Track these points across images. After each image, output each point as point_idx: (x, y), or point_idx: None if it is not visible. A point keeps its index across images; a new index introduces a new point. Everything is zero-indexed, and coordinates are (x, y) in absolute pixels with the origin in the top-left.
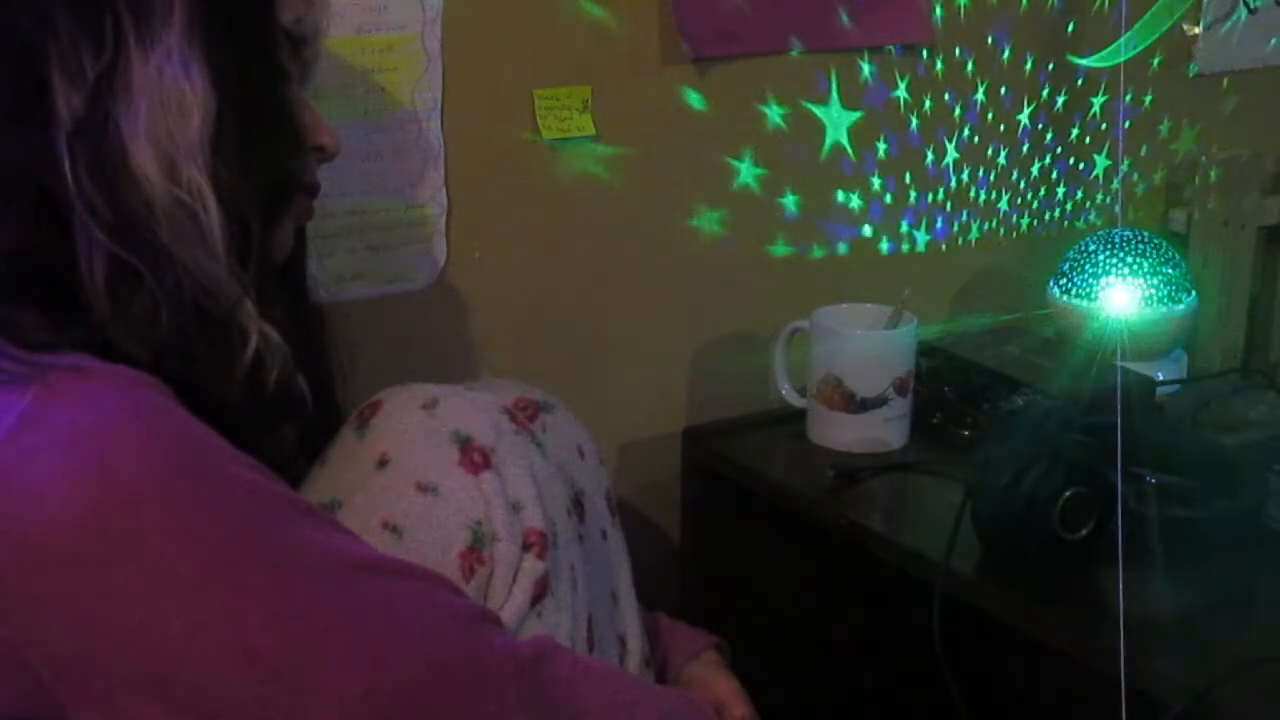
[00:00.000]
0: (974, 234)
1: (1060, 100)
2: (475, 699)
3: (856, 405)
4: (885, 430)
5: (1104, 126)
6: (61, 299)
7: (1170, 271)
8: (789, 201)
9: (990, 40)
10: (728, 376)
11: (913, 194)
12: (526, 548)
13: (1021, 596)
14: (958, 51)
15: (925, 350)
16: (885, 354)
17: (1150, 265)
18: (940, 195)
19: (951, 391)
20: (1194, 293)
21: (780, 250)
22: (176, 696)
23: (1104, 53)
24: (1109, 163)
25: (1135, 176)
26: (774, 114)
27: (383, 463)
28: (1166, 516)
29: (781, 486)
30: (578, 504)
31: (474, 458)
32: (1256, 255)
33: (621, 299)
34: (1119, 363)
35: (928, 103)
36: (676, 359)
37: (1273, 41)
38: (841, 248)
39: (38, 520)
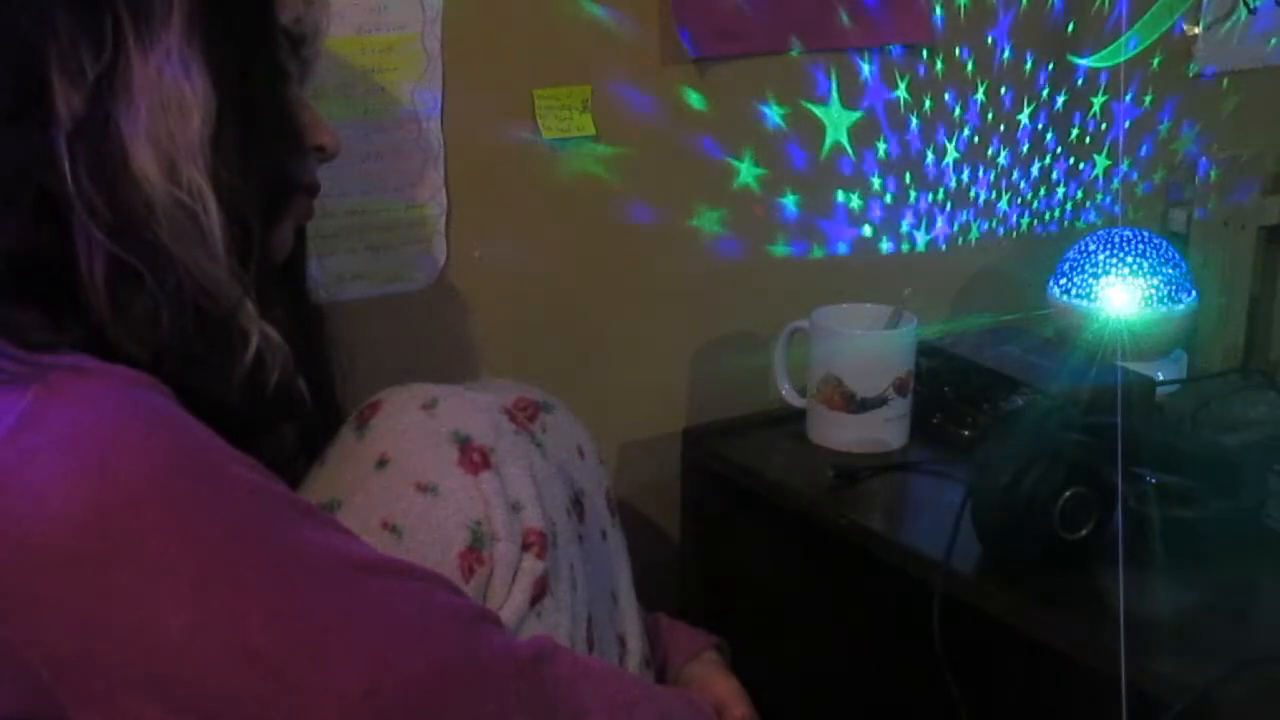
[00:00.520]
0: (974, 234)
1: (1060, 100)
2: (475, 699)
3: (856, 405)
4: (885, 430)
5: (1104, 126)
6: (61, 299)
7: (1170, 271)
8: (789, 201)
9: (990, 40)
10: (728, 376)
11: (913, 194)
12: (526, 548)
13: (1021, 596)
14: (958, 51)
15: (925, 350)
16: (885, 354)
17: (1150, 265)
18: (940, 195)
19: (951, 391)
20: (1194, 293)
21: (780, 250)
22: (176, 696)
23: (1104, 53)
24: (1109, 163)
25: (1135, 176)
26: (774, 114)
27: (382, 463)
28: (1166, 516)
29: (781, 486)
30: (577, 504)
31: (473, 458)
32: (1256, 255)
33: (621, 299)
34: (1119, 363)
35: (928, 103)
36: (676, 359)
37: (1273, 41)
38: (841, 248)
39: (38, 520)
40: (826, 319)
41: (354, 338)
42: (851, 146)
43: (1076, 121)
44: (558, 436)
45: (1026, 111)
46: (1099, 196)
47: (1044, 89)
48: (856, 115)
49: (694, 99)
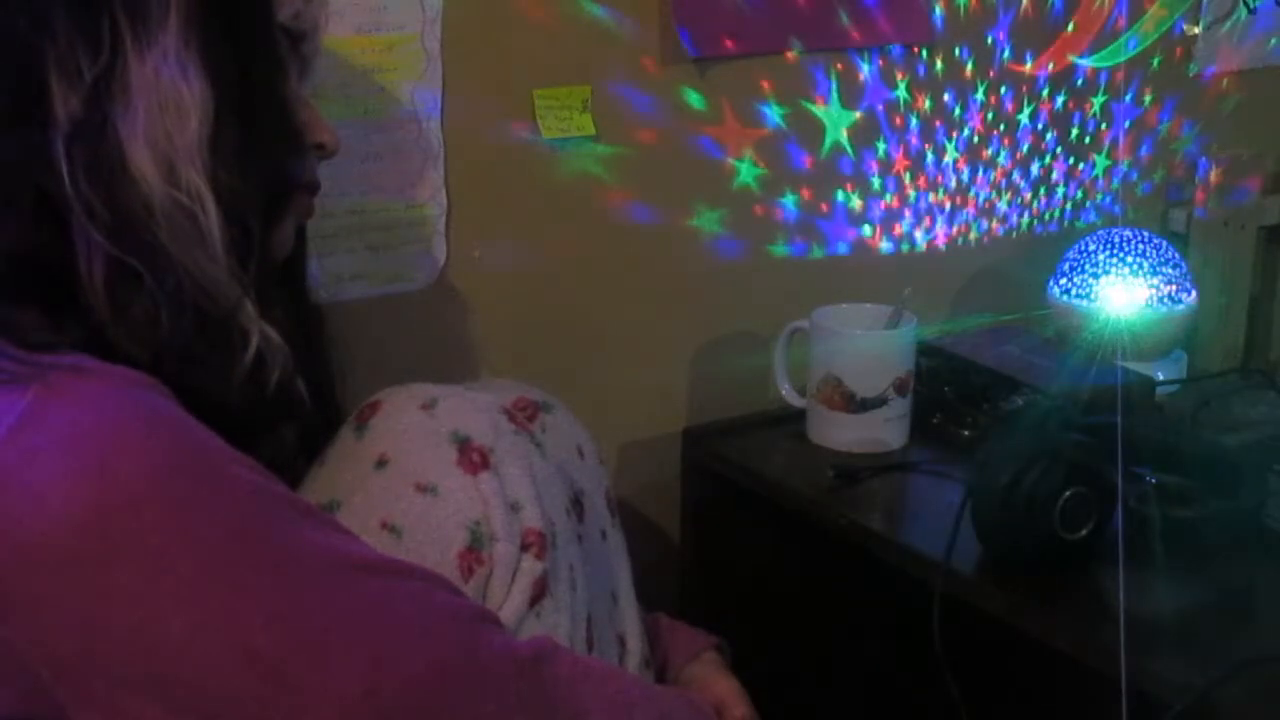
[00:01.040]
0: (974, 234)
1: (1060, 100)
2: (475, 699)
3: (856, 405)
4: (885, 430)
5: (1104, 126)
6: (61, 299)
7: (1170, 271)
8: (789, 201)
9: (990, 40)
10: (728, 376)
11: (913, 194)
12: (525, 548)
13: (1021, 596)
14: (958, 51)
15: (925, 350)
16: (885, 354)
17: (1150, 265)
18: (940, 195)
19: (951, 391)
20: (1194, 293)
21: (780, 250)
22: (176, 696)
23: (1104, 53)
24: (1109, 163)
25: (1135, 176)
26: (774, 114)
27: (381, 463)
28: (1166, 516)
29: (781, 486)
30: (577, 504)
31: (473, 458)
32: (1256, 255)
33: (621, 299)
34: (1119, 363)
35: (928, 103)
36: (676, 359)
37: (1273, 41)
38: (841, 248)
39: (38, 520)
40: (826, 319)
41: (354, 338)
42: (851, 146)
43: (1076, 121)
44: (557, 436)
45: (1026, 111)
46: (1099, 196)
47: (1044, 89)
48: (856, 115)
49: (694, 99)
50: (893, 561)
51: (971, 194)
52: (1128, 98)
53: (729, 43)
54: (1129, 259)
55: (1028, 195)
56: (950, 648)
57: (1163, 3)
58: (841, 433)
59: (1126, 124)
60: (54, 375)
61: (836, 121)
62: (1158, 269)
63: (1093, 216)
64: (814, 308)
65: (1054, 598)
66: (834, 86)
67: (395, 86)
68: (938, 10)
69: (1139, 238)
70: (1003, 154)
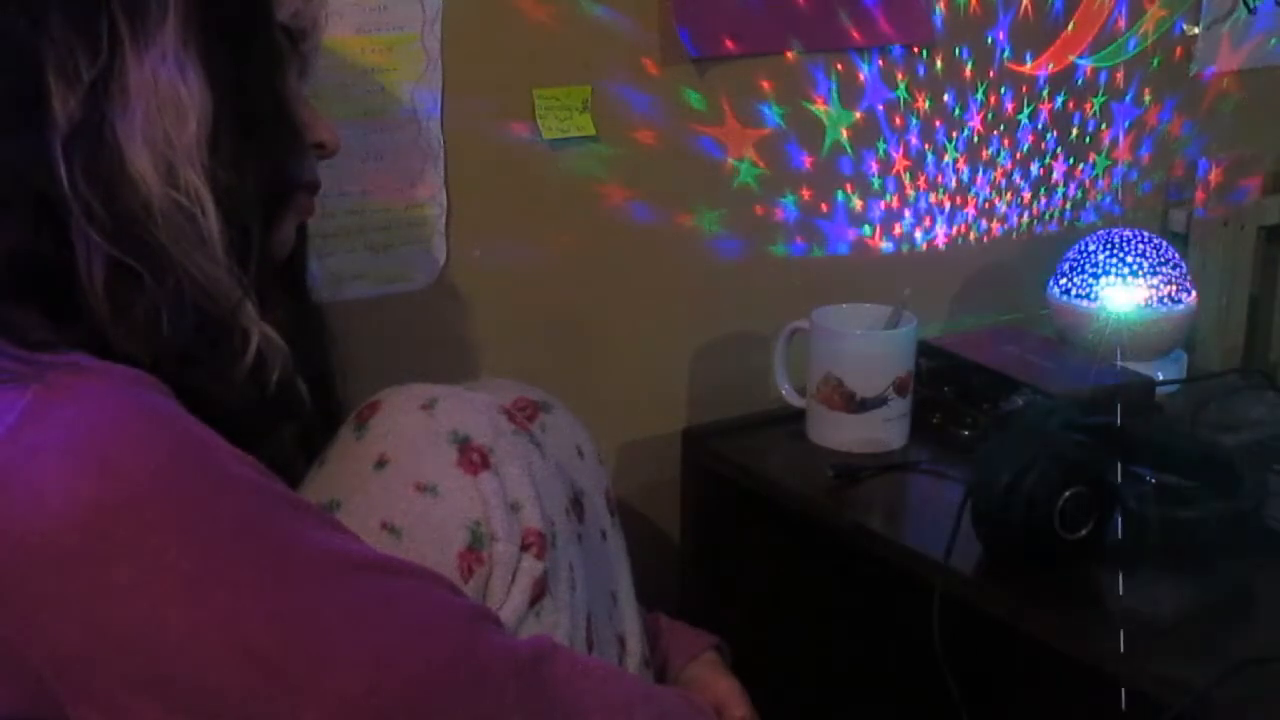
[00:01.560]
0: (974, 234)
1: (1060, 100)
2: (474, 698)
3: (856, 405)
4: (885, 430)
5: (1104, 126)
6: (61, 299)
7: (1170, 271)
8: (789, 201)
9: (990, 40)
10: (728, 376)
11: (913, 194)
12: (525, 548)
13: (1021, 596)
14: (958, 51)
15: (925, 350)
16: (885, 354)
17: (1150, 265)
18: (940, 195)
19: (951, 391)
20: (1194, 293)
21: (780, 250)
22: (176, 695)
23: (1104, 53)
24: (1109, 163)
25: (1135, 176)
26: (774, 114)
27: (381, 463)
28: (1166, 516)
29: (781, 486)
30: (577, 504)
31: (472, 458)
32: (1256, 255)
33: (621, 299)
34: (1119, 363)
35: (928, 103)
36: (676, 359)
37: (1273, 41)
38: (841, 248)
39: (38, 518)
40: (826, 319)
41: (354, 338)
42: (851, 146)
43: (1076, 121)
44: (557, 436)
45: (1026, 111)
46: (1099, 196)
47: (1044, 89)
48: (856, 115)
49: (694, 99)
50: (893, 561)
51: (971, 194)
52: (1128, 98)
53: (729, 43)
54: (1129, 259)
55: (1028, 195)
56: (950, 648)
57: (1163, 3)
58: (841, 433)
59: (1126, 124)
60: (54, 374)
61: (836, 121)
62: (1158, 269)
63: (1093, 216)
64: (814, 308)
65: (1054, 598)
66: (834, 86)
67: (395, 86)
68: (938, 10)
69: (1139, 238)
70: (1003, 154)
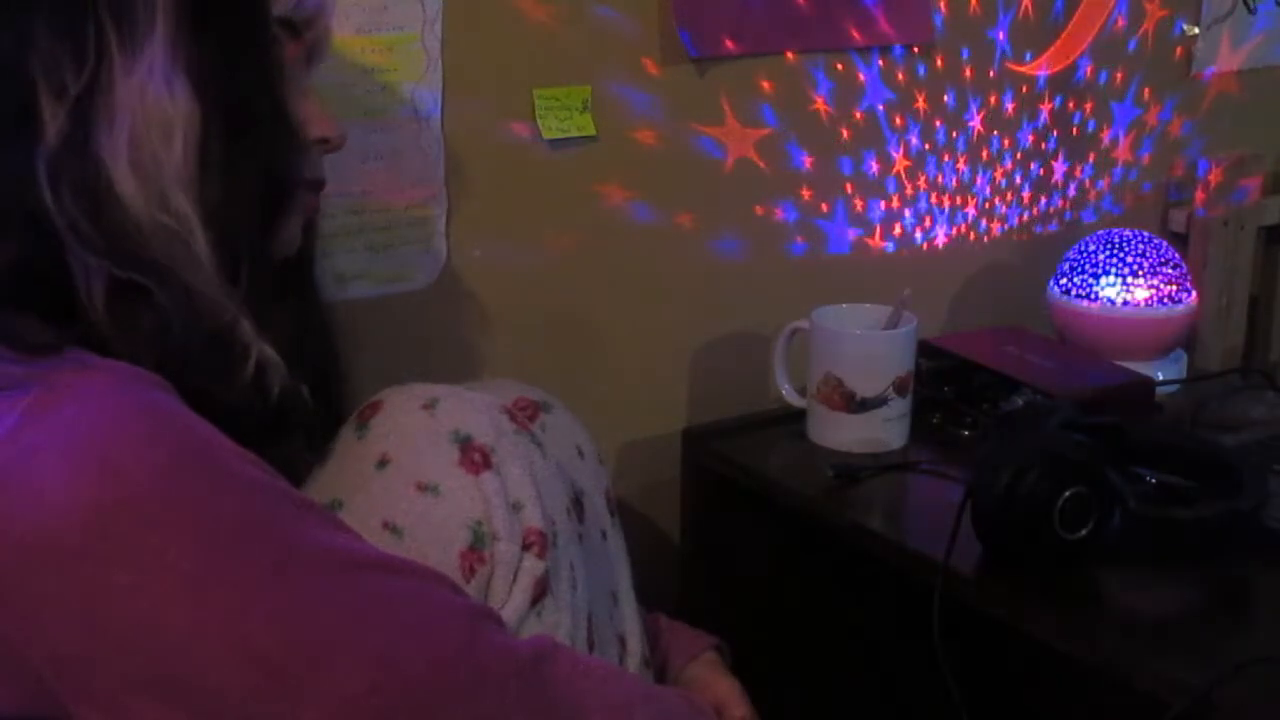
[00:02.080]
0: (974, 234)
1: (1060, 100)
2: (475, 697)
3: (856, 405)
4: (885, 430)
5: (1104, 126)
6: (61, 305)
7: (1170, 271)
8: (789, 201)
9: (990, 40)
10: (728, 376)
11: (913, 194)
12: (526, 547)
13: (1021, 596)
14: (958, 52)
15: (925, 350)
16: (885, 354)
17: (1150, 265)
18: (940, 195)
19: (951, 391)
20: (1194, 293)
21: (780, 250)
22: (177, 695)
23: (1104, 53)
24: (1109, 163)
25: (1135, 176)
26: (774, 114)
27: (383, 463)
28: (1166, 516)
29: (781, 486)
30: (577, 504)
31: (474, 457)
32: (1256, 255)
33: (621, 299)
34: (1119, 363)
35: (928, 103)
36: (676, 359)
37: (1273, 41)
38: (841, 248)
39: (38, 518)
40: (826, 319)
41: (354, 338)
42: (851, 146)
43: (1076, 121)
44: (557, 436)
45: (1027, 112)
46: (1099, 196)
47: (1044, 89)
48: (856, 115)
49: (694, 99)
50: (893, 561)
51: (971, 194)
52: (1128, 98)
53: (729, 43)
54: (1129, 259)
55: (1028, 195)
56: (950, 648)
57: (1163, 3)
58: (841, 433)
59: (1126, 124)
60: (55, 373)
61: (835, 122)
62: (1158, 269)
63: (1092, 216)
64: (814, 308)
65: (1054, 598)
66: (834, 86)
67: (395, 86)
68: (938, 10)
69: (1139, 238)
70: (1003, 154)
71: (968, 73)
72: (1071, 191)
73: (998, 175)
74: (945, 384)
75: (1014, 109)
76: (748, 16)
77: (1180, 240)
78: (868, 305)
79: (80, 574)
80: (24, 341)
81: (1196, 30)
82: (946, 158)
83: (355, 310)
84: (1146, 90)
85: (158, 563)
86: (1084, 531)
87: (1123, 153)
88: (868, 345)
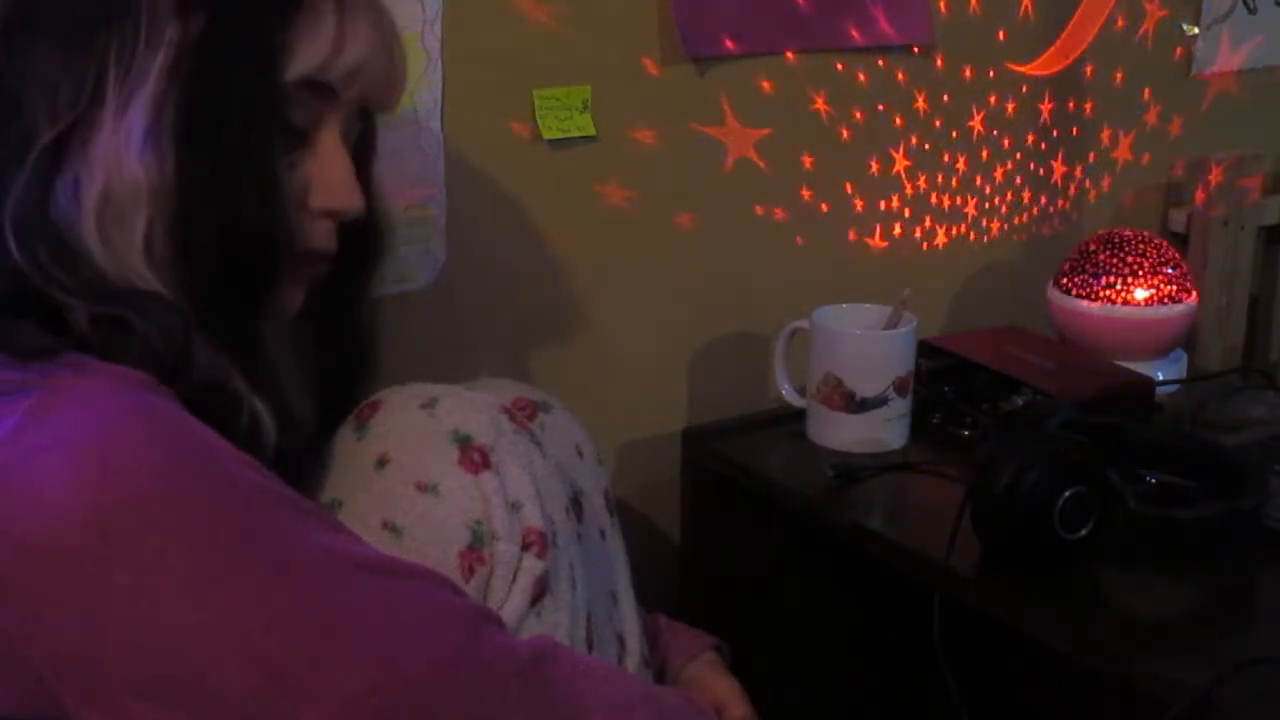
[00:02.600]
0: (974, 234)
1: (1060, 100)
2: (475, 698)
3: (856, 405)
4: (885, 430)
5: (1104, 127)
6: (56, 320)
7: (1170, 271)
8: (790, 201)
9: (990, 40)
10: (728, 376)
11: (913, 194)
12: (526, 547)
13: (1021, 596)
14: (959, 51)
15: (925, 350)
16: (885, 354)
17: (1150, 265)
18: (940, 195)
19: (951, 391)
20: (1194, 293)
21: (780, 250)
22: (178, 696)
23: (1103, 53)
24: (1109, 163)
25: (1135, 176)
26: (774, 114)
27: (382, 462)
28: (1166, 516)
29: (781, 486)
30: (576, 503)
31: (473, 457)
32: (1256, 255)
33: (621, 299)
34: (1119, 363)
35: (928, 103)
36: (676, 359)
37: (1273, 41)
38: (841, 248)
39: (39, 519)
40: (826, 319)
41: None
42: (852, 146)
43: (1076, 121)
44: (556, 436)
45: (1027, 111)
46: (1099, 196)
47: (1044, 89)
48: (855, 115)
49: (694, 99)
50: (893, 561)
51: (971, 194)
52: (1128, 98)
53: (729, 43)
54: (1129, 259)
55: (1028, 195)
56: (950, 648)
57: (1163, 3)
58: (841, 433)
59: (1126, 124)
60: (55, 376)
61: (835, 122)
62: (1158, 269)
63: (1093, 217)
64: (814, 308)
65: (1054, 598)
66: (834, 86)
67: None
68: (938, 10)
69: (1139, 238)
70: (1003, 154)
71: (968, 73)
72: (1071, 191)
73: (998, 175)
74: (945, 384)
75: (1014, 109)
76: (748, 16)
77: (1180, 240)
78: (868, 305)
79: (80, 574)
80: (21, 347)
81: (1196, 30)
82: (946, 158)
83: None
84: (1146, 90)
85: (158, 563)
86: (1084, 531)
87: (1123, 153)
88: (868, 345)
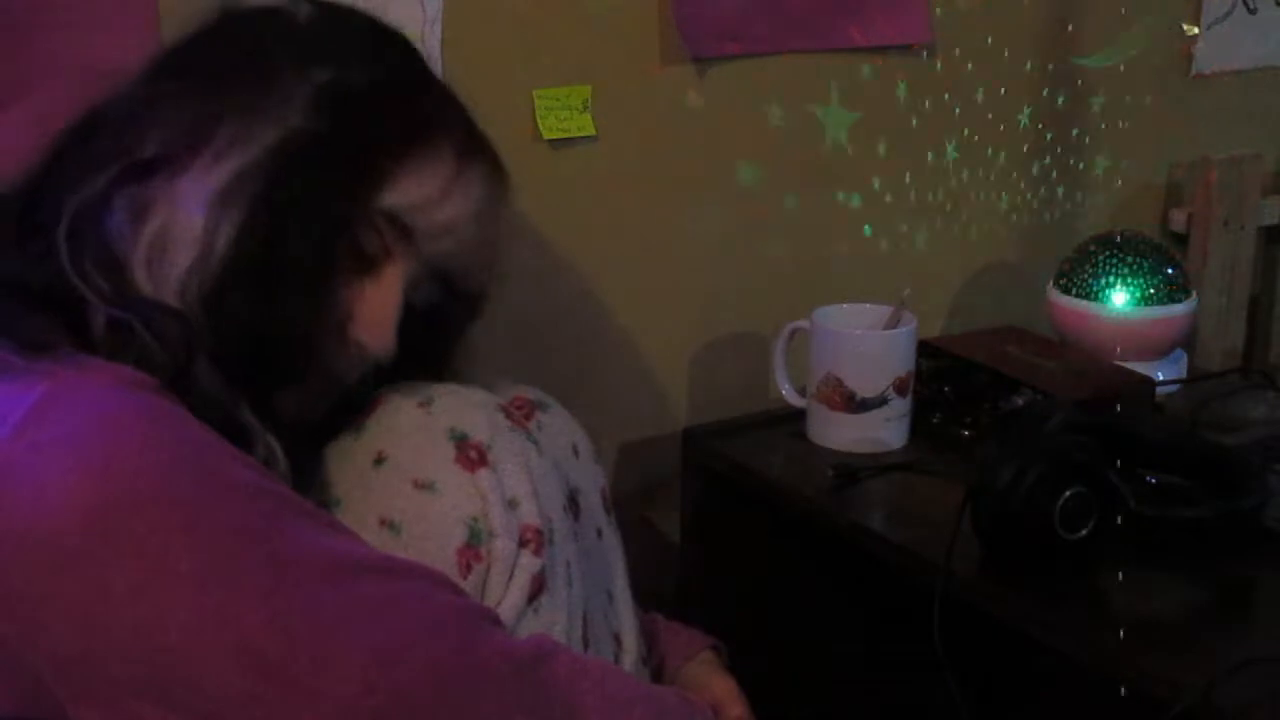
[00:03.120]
0: (974, 234)
1: (1060, 100)
2: (474, 698)
3: (856, 405)
4: (885, 430)
5: (1104, 126)
6: (71, 317)
7: (1170, 271)
8: (789, 201)
9: (990, 40)
10: (728, 376)
11: (913, 194)
12: (523, 544)
13: (1021, 596)
14: (958, 51)
15: (925, 350)
16: (885, 354)
17: (1150, 265)
18: (940, 195)
19: (951, 391)
20: (1194, 293)
21: (780, 250)
22: (175, 695)
23: (1104, 53)
24: (1109, 163)
25: (1135, 176)
26: (774, 114)
27: (380, 460)
28: (1166, 516)
29: (781, 486)
30: (573, 502)
31: (470, 455)
32: (1256, 255)
33: (621, 299)
34: (1119, 363)
35: (928, 103)
36: (676, 359)
37: (1273, 41)
38: (841, 248)
39: (41, 517)
40: (826, 319)
41: None
42: (851, 146)
43: (1076, 122)
44: (553, 434)
45: (1026, 112)
46: (1099, 197)
47: (1044, 89)
48: (856, 115)
49: (694, 99)
50: (893, 561)
51: (971, 194)
52: (1128, 98)
53: (729, 43)
54: (1129, 259)
55: (1028, 195)
56: (950, 648)
57: (1163, 3)
58: (841, 433)
59: (1126, 124)
60: (60, 372)
61: (836, 121)
62: (1158, 269)
63: (1093, 217)
64: (814, 308)
65: (1054, 598)
66: (834, 86)
67: None
68: (938, 10)
69: (1139, 238)
70: (1003, 154)
71: (968, 73)
72: (1071, 191)
73: (998, 175)
74: (945, 384)
75: (1014, 109)
76: (748, 16)
77: (1180, 240)
78: (868, 305)
79: (81, 574)
80: (26, 339)
81: (1196, 30)
82: (946, 158)
83: None
84: (1147, 90)
85: (158, 564)
86: (1084, 531)
87: (1123, 153)
88: (868, 345)
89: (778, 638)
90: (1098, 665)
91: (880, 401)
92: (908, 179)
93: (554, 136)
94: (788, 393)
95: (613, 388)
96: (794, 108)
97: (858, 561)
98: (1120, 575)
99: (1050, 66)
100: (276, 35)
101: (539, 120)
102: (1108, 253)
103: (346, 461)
